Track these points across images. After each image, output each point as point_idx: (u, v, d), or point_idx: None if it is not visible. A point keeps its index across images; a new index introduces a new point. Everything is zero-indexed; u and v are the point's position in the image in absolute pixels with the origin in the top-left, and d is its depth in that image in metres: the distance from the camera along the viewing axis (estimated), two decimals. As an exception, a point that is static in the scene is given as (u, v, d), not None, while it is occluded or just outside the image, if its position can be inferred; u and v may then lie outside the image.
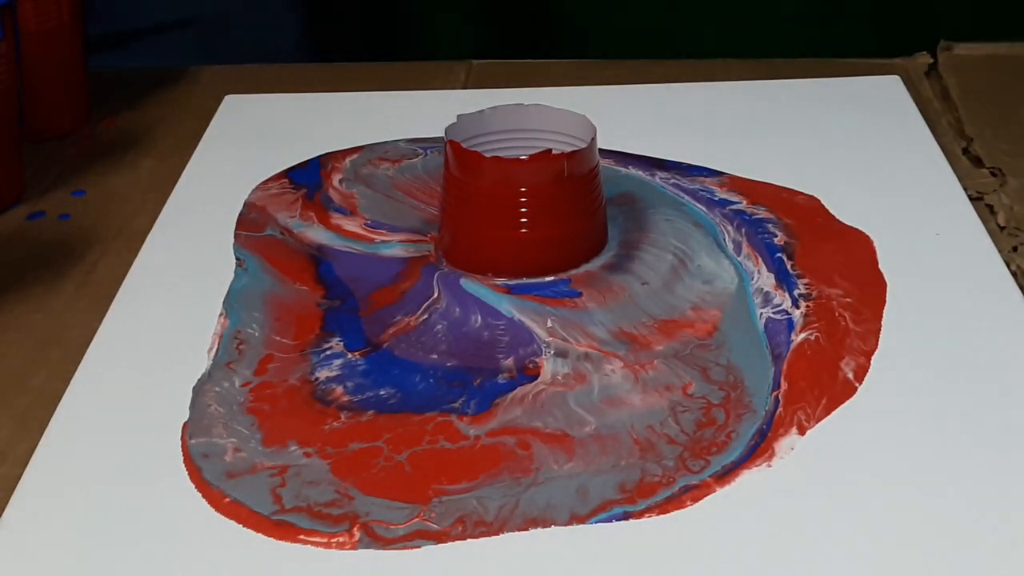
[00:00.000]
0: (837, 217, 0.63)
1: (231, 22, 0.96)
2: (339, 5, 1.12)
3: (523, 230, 0.58)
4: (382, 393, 0.52)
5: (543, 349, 0.54)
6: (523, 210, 0.58)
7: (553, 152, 0.58)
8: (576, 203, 0.59)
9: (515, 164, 0.57)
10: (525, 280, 0.59)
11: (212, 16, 0.96)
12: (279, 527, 0.45)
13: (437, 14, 1.12)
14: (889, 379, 0.52)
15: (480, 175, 0.58)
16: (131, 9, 0.93)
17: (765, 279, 0.58)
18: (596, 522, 0.45)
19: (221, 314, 0.57)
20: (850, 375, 0.52)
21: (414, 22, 1.12)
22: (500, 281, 0.59)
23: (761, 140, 0.71)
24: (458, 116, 0.61)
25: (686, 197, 0.65)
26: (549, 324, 0.56)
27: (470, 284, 0.59)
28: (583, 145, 0.59)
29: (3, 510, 0.47)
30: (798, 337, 0.54)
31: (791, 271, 0.59)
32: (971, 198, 0.64)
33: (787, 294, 0.57)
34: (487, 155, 0.58)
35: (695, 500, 0.46)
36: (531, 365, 0.53)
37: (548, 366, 0.53)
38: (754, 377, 0.52)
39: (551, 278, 0.59)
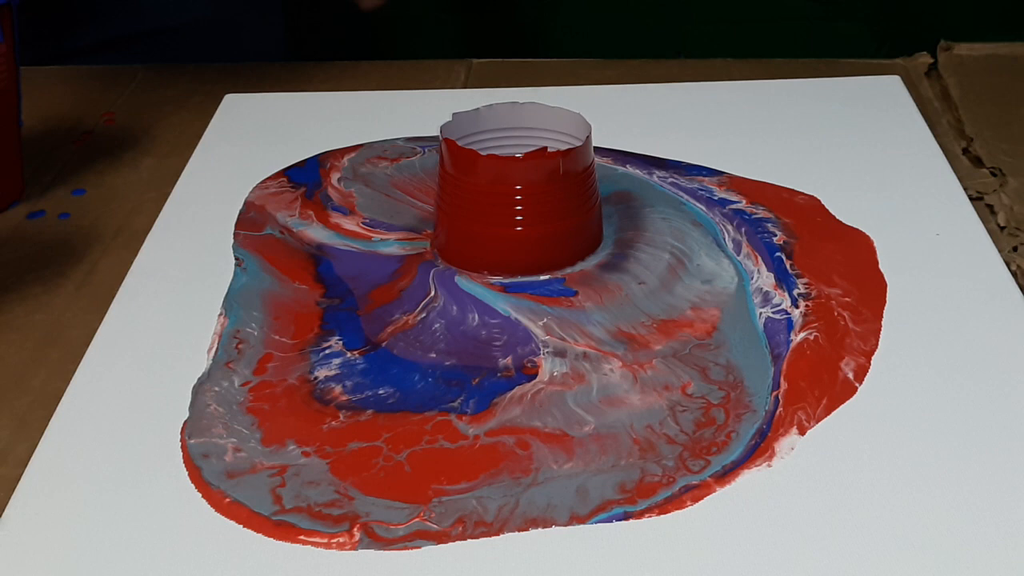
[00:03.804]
0: (837, 217, 0.63)
1: (221, 28, 0.97)
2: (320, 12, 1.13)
3: (518, 228, 0.58)
4: (381, 392, 0.52)
5: (541, 348, 0.54)
6: (518, 208, 0.58)
7: (548, 150, 0.58)
8: (571, 201, 0.59)
9: (510, 162, 0.57)
10: (520, 279, 0.59)
11: (204, 21, 0.96)
12: (279, 527, 0.46)
13: (438, 14, 1.12)
14: (889, 379, 0.52)
15: (475, 173, 0.58)
16: (128, 15, 0.93)
17: (765, 279, 0.58)
18: (596, 522, 0.45)
19: (220, 314, 0.57)
20: (850, 375, 0.52)
21: (414, 22, 1.13)
22: (495, 279, 0.59)
23: (761, 140, 0.71)
24: (453, 114, 0.61)
25: (685, 196, 0.65)
26: (543, 323, 0.56)
27: (465, 282, 0.59)
28: (578, 143, 0.59)
29: (3, 510, 0.47)
30: (797, 337, 0.54)
31: (790, 271, 0.59)
32: (971, 198, 0.64)
33: (786, 294, 0.57)
34: (483, 153, 0.58)
35: (695, 500, 0.46)
36: (529, 364, 0.53)
37: (546, 365, 0.53)
38: (754, 377, 0.52)
39: (546, 276, 0.59)
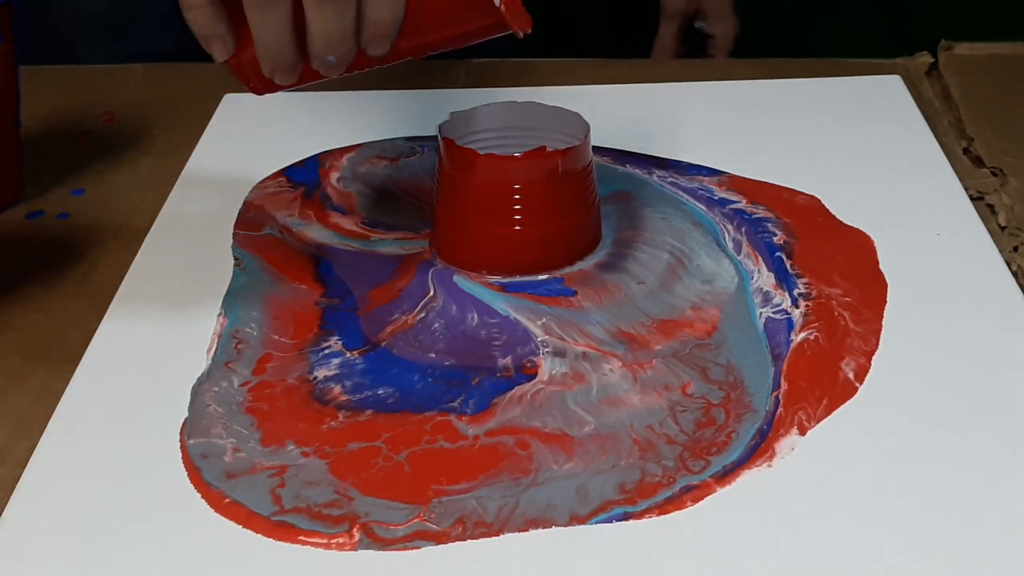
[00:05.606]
0: (837, 217, 0.63)
1: None
2: None
3: (517, 227, 0.58)
4: (380, 392, 0.52)
5: (540, 348, 0.54)
6: (517, 207, 0.58)
7: (547, 149, 0.58)
8: (570, 200, 0.59)
9: (509, 161, 0.57)
10: (519, 278, 0.59)
11: None
12: (279, 528, 0.45)
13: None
14: (889, 379, 0.52)
15: (474, 172, 0.58)
16: None
17: (765, 278, 0.58)
18: (596, 522, 0.45)
19: (220, 314, 0.57)
20: (850, 375, 0.52)
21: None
22: (494, 279, 0.59)
23: (761, 140, 0.71)
24: (451, 113, 0.61)
25: (685, 196, 0.65)
26: (542, 322, 0.56)
27: (464, 282, 0.59)
28: (577, 142, 0.58)
29: (3, 510, 0.47)
30: (798, 337, 0.54)
31: (791, 271, 0.59)
32: (972, 198, 0.64)
33: (787, 294, 0.57)
34: (481, 152, 0.58)
35: (695, 500, 0.46)
36: (529, 364, 0.53)
37: (546, 365, 0.53)
38: (754, 377, 0.52)
39: (544, 276, 0.59)
